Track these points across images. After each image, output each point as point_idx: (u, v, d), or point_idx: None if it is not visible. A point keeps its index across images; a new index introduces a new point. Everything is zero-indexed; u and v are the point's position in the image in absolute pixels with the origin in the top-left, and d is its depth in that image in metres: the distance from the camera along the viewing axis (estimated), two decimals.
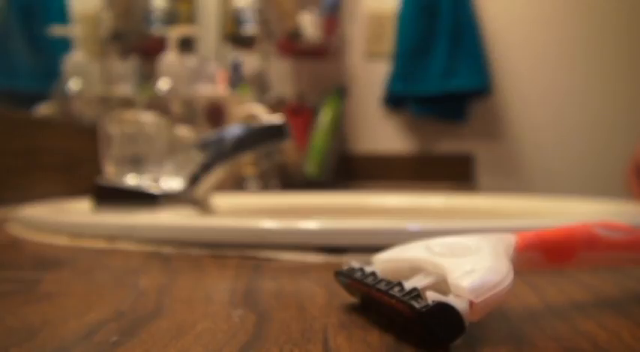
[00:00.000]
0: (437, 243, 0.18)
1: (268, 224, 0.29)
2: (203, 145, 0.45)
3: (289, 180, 1.09)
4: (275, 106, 1.48)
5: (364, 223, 0.29)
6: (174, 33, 1.06)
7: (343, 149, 1.85)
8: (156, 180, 0.46)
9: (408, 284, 0.15)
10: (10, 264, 0.28)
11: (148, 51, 1.26)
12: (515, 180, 1.70)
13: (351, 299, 0.19)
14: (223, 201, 0.51)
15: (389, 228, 0.28)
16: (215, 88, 1.08)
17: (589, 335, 0.16)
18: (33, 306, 0.19)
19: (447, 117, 1.77)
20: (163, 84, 1.01)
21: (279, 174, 1.04)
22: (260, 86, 1.64)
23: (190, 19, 1.61)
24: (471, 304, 0.14)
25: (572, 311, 0.18)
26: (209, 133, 0.49)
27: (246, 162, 0.86)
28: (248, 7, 1.64)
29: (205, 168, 0.44)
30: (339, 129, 1.81)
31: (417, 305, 0.14)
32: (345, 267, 0.18)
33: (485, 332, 0.16)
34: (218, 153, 0.44)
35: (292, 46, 1.74)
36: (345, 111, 1.84)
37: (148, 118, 0.54)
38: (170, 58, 1.03)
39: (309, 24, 1.70)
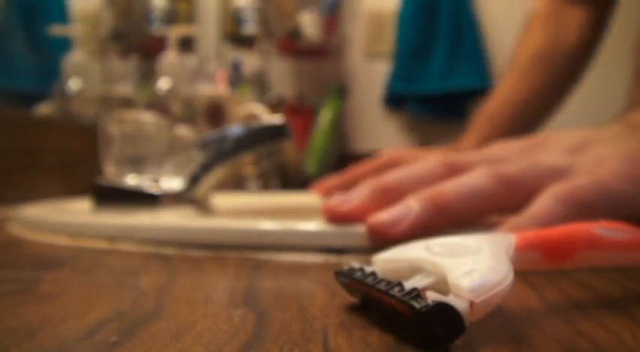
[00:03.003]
0: (437, 243, 0.18)
1: (268, 225, 0.29)
2: (203, 145, 0.44)
3: (289, 179, 1.09)
4: (275, 106, 1.48)
5: (364, 223, 0.29)
6: (175, 32, 1.06)
7: (343, 148, 1.85)
8: (156, 180, 0.46)
9: (408, 284, 0.15)
10: (10, 264, 0.28)
11: (148, 50, 1.26)
12: None
13: (351, 299, 0.19)
14: (223, 201, 0.51)
15: None
16: (215, 88, 1.08)
17: (589, 335, 0.16)
18: (33, 306, 0.19)
19: (447, 116, 1.77)
20: (163, 84, 1.01)
21: (279, 174, 1.04)
22: (260, 86, 1.64)
23: (190, 18, 1.61)
24: (471, 304, 0.14)
25: (572, 311, 0.18)
26: (209, 133, 0.49)
27: (247, 162, 0.86)
28: (248, 7, 1.65)
29: (205, 168, 0.44)
30: (339, 129, 1.81)
31: (417, 305, 0.14)
32: (345, 267, 0.18)
33: (485, 332, 0.16)
34: (218, 153, 0.44)
35: (292, 45, 1.74)
36: (345, 110, 1.84)
37: (148, 118, 0.54)
38: (170, 57, 1.03)
39: (309, 23, 1.70)
